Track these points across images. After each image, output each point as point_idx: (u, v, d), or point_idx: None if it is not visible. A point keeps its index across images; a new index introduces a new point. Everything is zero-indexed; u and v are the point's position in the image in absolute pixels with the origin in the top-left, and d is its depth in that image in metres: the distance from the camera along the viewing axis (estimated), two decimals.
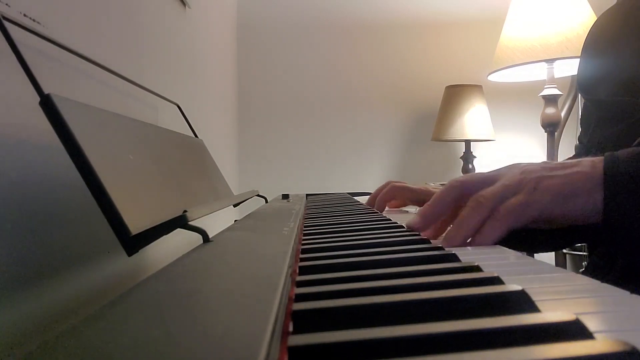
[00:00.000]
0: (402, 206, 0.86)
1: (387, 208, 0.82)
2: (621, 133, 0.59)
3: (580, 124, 0.70)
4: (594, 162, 0.43)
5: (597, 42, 0.68)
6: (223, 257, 0.32)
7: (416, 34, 2.07)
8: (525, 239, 0.50)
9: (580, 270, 1.68)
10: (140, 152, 0.48)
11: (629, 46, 0.61)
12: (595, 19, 0.72)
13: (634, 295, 0.23)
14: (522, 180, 0.44)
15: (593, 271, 0.60)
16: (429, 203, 0.49)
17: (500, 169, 0.49)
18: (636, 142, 0.55)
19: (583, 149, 0.68)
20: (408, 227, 0.47)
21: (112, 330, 0.17)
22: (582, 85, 0.69)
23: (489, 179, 0.47)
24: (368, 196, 1.19)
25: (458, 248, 0.41)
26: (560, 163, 0.46)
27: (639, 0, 0.63)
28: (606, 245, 0.45)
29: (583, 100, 0.72)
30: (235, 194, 0.84)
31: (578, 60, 0.71)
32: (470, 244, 0.43)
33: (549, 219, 0.43)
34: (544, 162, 0.46)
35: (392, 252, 0.34)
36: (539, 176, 0.44)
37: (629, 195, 0.40)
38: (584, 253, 1.80)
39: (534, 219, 0.43)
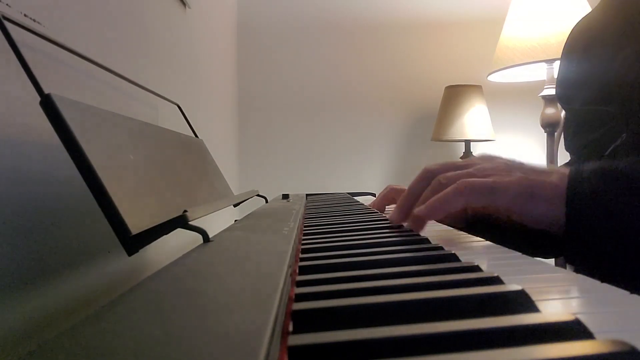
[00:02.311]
0: None
1: (386, 210, 0.82)
2: (596, 141, 0.59)
3: (562, 132, 0.70)
4: (562, 175, 0.44)
5: (573, 48, 0.67)
6: (223, 257, 0.32)
7: (416, 34, 2.07)
8: (493, 233, 0.51)
9: None
10: (140, 152, 0.48)
11: (602, 53, 0.60)
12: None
13: (634, 295, 0.23)
14: (493, 168, 0.46)
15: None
16: (403, 194, 0.51)
17: (474, 157, 0.51)
18: (608, 151, 0.55)
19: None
20: (390, 221, 0.50)
21: (112, 330, 0.17)
22: (559, 93, 0.69)
23: (460, 166, 0.48)
24: (368, 196, 1.20)
25: (457, 248, 0.40)
26: (533, 167, 0.47)
27: (614, 7, 0.62)
28: (569, 260, 0.45)
29: None
30: (235, 193, 0.84)
31: None
32: (420, 213, 0.46)
33: (507, 213, 0.44)
34: (518, 162, 0.48)
35: (392, 252, 0.34)
36: (508, 171, 0.45)
37: (590, 212, 0.41)
38: None
39: (493, 205, 0.44)
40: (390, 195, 0.79)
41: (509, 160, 0.48)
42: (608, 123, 0.57)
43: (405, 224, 0.49)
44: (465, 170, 0.47)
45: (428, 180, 0.49)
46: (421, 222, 0.47)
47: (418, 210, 0.46)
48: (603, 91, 0.58)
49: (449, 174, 0.46)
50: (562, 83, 0.68)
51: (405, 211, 0.50)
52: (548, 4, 1.52)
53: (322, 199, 1.05)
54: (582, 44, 0.66)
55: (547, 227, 0.43)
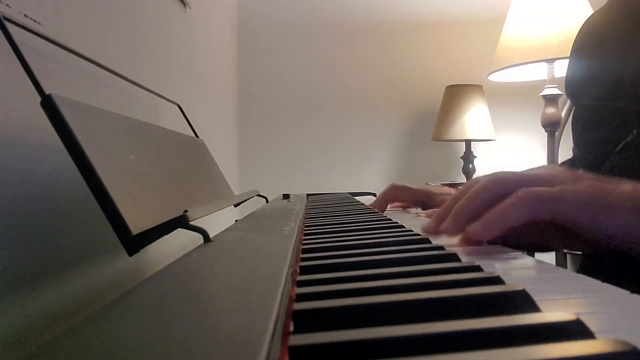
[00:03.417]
0: (404, 207, 0.85)
1: (388, 207, 0.82)
2: (605, 137, 0.59)
3: (571, 128, 0.70)
4: (637, 184, 0.38)
5: (582, 46, 0.68)
6: (224, 257, 0.32)
7: (416, 34, 2.07)
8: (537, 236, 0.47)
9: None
10: (141, 152, 0.48)
11: (613, 49, 0.60)
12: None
13: (635, 295, 0.23)
14: (558, 176, 0.40)
15: (582, 273, 0.59)
16: (461, 201, 0.41)
17: (535, 168, 0.44)
18: (619, 147, 0.55)
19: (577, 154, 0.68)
20: (435, 232, 0.42)
21: (112, 330, 0.17)
22: (569, 88, 0.69)
23: (519, 173, 0.42)
24: (368, 196, 1.20)
25: (456, 248, 0.40)
26: (598, 176, 0.41)
27: (624, 4, 0.63)
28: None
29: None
30: (235, 194, 0.84)
31: None
32: (473, 233, 0.38)
33: (573, 227, 0.38)
34: (582, 172, 0.42)
35: (393, 252, 0.34)
36: (578, 177, 0.39)
37: None
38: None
39: (557, 219, 0.37)
40: (392, 194, 0.78)
41: (572, 171, 0.41)
42: (618, 119, 0.57)
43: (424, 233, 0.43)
44: (524, 178, 0.40)
45: (499, 188, 0.40)
46: (474, 241, 0.40)
47: (472, 229, 0.38)
48: (614, 87, 0.58)
49: (512, 178, 0.40)
50: (572, 79, 0.68)
51: (464, 221, 0.40)
52: (548, 3, 1.52)
53: (323, 199, 1.05)
54: (591, 41, 0.66)
55: (619, 243, 0.37)
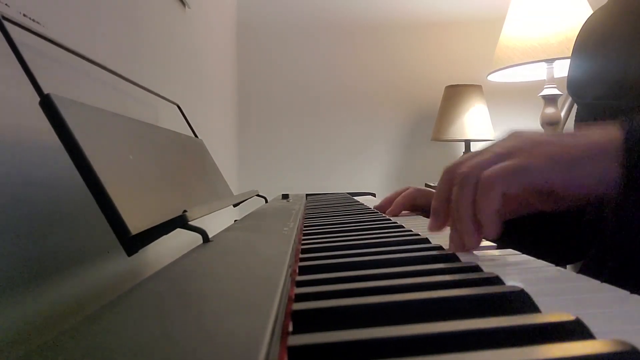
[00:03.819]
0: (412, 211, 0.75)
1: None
2: None
3: (574, 127, 0.70)
4: (605, 130, 0.39)
5: (585, 44, 0.67)
6: (223, 257, 0.32)
7: (416, 34, 2.07)
8: (529, 243, 0.47)
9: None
10: (140, 152, 0.48)
11: (616, 48, 0.60)
12: None
13: (634, 295, 0.23)
14: (515, 146, 0.40)
15: (586, 272, 0.58)
16: (433, 200, 0.44)
17: (497, 140, 0.44)
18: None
19: None
20: (430, 230, 0.44)
21: (112, 330, 0.17)
22: (571, 87, 0.68)
23: (480, 152, 0.42)
24: (368, 196, 1.20)
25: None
26: (566, 133, 0.42)
27: (627, 3, 0.63)
28: (620, 227, 0.40)
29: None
30: (235, 193, 0.84)
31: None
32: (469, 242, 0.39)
33: (549, 190, 0.39)
34: (548, 134, 0.42)
35: (392, 252, 0.34)
36: (536, 141, 0.40)
37: None
38: None
39: (530, 187, 0.38)
40: (411, 196, 0.71)
41: (535, 134, 0.41)
42: (621, 117, 0.57)
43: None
44: (491, 153, 0.40)
45: (451, 181, 0.43)
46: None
47: (468, 243, 0.39)
48: (617, 86, 0.58)
49: (472, 163, 0.40)
50: (574, 78, 0.68)
51: (443, 217, 0.43)
52: (548, 3, 1.52)
53: (322, 199, 1.05)
54: (593, 40, 0.66)
55: (594, 189, 0.38)
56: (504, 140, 0.42)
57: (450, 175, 0.43)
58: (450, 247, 0.39)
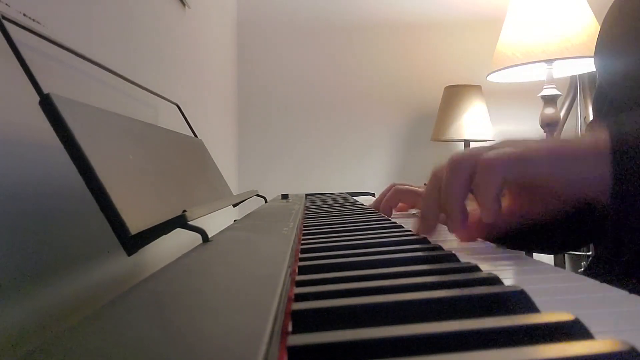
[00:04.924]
0: (409, 209, 0.82)
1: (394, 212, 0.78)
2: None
3: (593, 109, 0.66)
4: (597, 135, 0.39)
5: (609, 42, 0.63)
6: (222, 257, 0.32)
7: (416, 34, 2.07)
8: (525, 235, 0.47)
9: (580, 270, 1.68)
10: (140, 152, 0.48)
11: None
12: (595, 19, 0.68)
13: (634, 295, 0.23)
14: (511, 143, 0.40)
15: (597, 265, 0.57)
16: (421, 202, 0.45)
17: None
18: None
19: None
20: (416, 232, 0.44)
21: (112, 330, 0.17)
22: (603, 90, 0.64)
23: (471, 149, 0.42)
24: (367, 196, 1.20)
25: (454, 248, 0.40)
26: (561, 137, 0.42)
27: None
28: (614, 230, 0.40)
29: (597, 80, 0.66)
30: (234, 193, 0.84)
31: (577, 60, 0.68)
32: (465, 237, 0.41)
33: (547, 181, 0.39)
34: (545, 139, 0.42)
35: (392, 252, 0.34)
36: (533, 142, 0.40)
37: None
38: (583, 253, 1.80)
39: (529, 175, 0.38)
40: (395, 198, 0.75)
41: (530, 139, 0.42)
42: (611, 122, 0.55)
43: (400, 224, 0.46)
44: (478, 149, 0.41)
45: (439, 182, 0.43)
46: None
47: (453, 226, 0.40)
48: None
49: (465, 152, 0.41)
50: (609, 77, 0.64)
51: (432, 220, 0.44)
52: (547, 4, 1.52)
53: (322, 199, 1.05)
54: (619, 34, 0.61)
55: (591, 187, 0.38)
56: (497, 143, 0.42)
57: (439, 176, 0.43)
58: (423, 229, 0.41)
